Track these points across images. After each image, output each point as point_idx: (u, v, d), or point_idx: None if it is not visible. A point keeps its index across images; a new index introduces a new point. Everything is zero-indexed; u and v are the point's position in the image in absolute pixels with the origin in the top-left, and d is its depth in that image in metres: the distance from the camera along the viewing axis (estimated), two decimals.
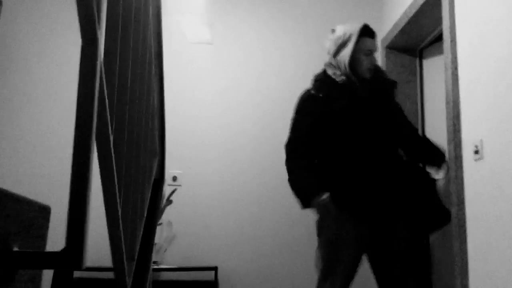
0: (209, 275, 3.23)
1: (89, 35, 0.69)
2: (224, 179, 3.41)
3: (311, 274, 3.31)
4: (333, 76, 2.33)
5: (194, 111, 3.49)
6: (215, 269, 3.12)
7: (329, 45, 2.42)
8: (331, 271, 2.19)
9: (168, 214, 3.26)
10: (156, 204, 1.46)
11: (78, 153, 0.68)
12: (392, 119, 2.36)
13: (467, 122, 2.23)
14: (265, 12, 3.67)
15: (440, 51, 3.12)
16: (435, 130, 3.11)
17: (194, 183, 3.39)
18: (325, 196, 2.18)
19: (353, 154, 2.25)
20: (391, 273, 2.21)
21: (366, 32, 2.35)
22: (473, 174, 2.14)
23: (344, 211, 2.19)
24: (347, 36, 2.34)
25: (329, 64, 2.39)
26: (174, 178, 3.35)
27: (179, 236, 3.33)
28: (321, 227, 2.28)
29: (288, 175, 2.34)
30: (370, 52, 2.34)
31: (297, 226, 3.38)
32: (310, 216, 3.03)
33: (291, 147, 2.38)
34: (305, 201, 2.24)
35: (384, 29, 3.48)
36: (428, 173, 2.41)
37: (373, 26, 3.55)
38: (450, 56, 2.40)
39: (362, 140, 2.25)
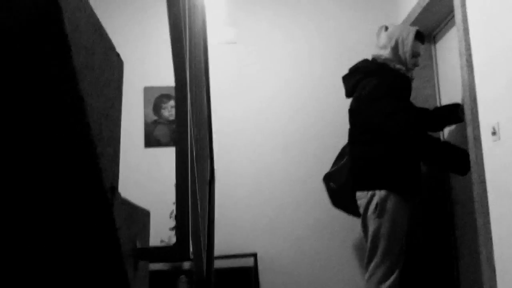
0: (249, 262, 3.44)
1: (180, 78, 0.89)
2: (260, 167, 3.60)
3: (350, 257, 3.52)
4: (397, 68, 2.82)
5: (224, 110, 3.70)
6: (254, 255, 3.34)
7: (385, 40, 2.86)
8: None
9: None
10: (212, 202, 1.67)
11: (180, 167, 0.88)
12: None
13: (483, 105, 2.39)
14: (285, 10, 3.84)
15: (453, 36, 3.26)
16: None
17: (230, 173, 3.60)
18: None
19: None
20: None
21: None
22: (492, 154, 2.31)
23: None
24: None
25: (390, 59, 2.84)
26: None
27: (218, 225, 3.55)
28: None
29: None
30: (418, 54, 2.87)
31: (334, 209, 3.56)
32: None
33: None
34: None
35: (400, 18, 3.64)
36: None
37: (389, 15, 3.73)
38: (464, 43, 2.56)
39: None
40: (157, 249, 0.87)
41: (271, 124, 3.70)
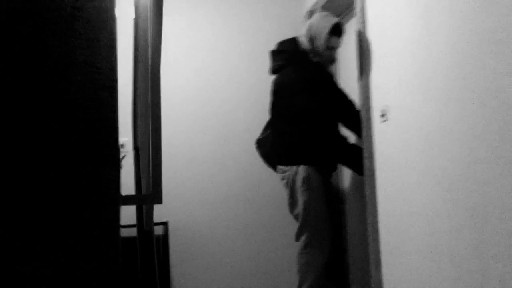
0: (158, 230, 3.59)
1: None
2: (173, 137, 3.71)
3: (261, 224, 3.77)
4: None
5: None
6: (165, 223, 3.50)
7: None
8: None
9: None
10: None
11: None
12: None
13: (375, 90, 2.73)
14: None
15: (352, 25, 3.59)
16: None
17: None
18: None
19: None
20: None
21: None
22: (380, 133, 2.66)
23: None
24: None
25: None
26: (122, 146, 3.65)
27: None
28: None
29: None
30: (334, 48, 3.03)
31: (247, 179, 3.77)
32: (257, 169, 3.48)
33: None
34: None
35: (306, 6, 3.92)
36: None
37: (295, 3, 3.97)
38: (363, 35, 2.88)
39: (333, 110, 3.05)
40: (137, 196, 1.13)
41: (186, 91, 3.82)
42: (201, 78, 3.86)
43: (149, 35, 1.40)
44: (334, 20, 3.01)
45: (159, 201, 1.12)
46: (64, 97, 0.72)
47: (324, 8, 3.63)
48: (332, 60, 3.06)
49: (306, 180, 2.86)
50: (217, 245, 3.69)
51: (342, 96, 3.00)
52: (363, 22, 2.88)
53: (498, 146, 1.77)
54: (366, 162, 2.77)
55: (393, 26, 2.54)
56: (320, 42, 2.93)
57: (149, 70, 1.32)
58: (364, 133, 2.80)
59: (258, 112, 3.58)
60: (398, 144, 2.47)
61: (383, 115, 2.63)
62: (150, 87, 1.29)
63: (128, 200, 1.17)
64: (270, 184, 3.61)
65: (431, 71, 2.20)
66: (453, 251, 2.03)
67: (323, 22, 2.97)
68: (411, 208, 2.34)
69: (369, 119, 2.77)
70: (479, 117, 1.87)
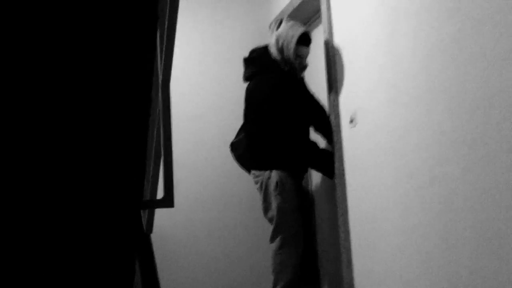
0: None
1: None
2: None
3: (239, 225, 3.83)
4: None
5: None
6: None
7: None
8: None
9: None
10: None
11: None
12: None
13: (343, 96, 2.85)
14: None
15: (319, 31, 3.72)
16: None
17: None
18: None
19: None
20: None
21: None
22: (349, 137, 2.77)
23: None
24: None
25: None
26: None
27: None
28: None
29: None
30: (302, 57, 3.08)
31: (221, 182, 3.85)
32: (232, 171, 3.54)
33: None
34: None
35: (274, 13, 4.03)
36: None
37: (263, 11, 4.07)
38: (328, 43, 2.99)
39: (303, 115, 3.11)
40: (151, 201, 1.23)
41: None
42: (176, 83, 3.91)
43: (159, 51, 1.47)
44: (301, 29, 3.08)
45: (171, 204, 1.22)
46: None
47: (291, 16, 3.74)
48: (303, 67, 3.14)
49: (279, 185, 2.94)
50: (196, 246, 3.75)
51: (313, 103, 3.10)
52: (330, 31, 2.99)
53: (462, 144, 1.89)
54: (336, 165, 2.87)
55: (360, 33, 2.66)
56: (290, 52, 3.00)
57: (160, 85, 1.39)
58: (334, 138, 2.90)
59: (232, 117, 3.66)
60: (367, 146, 2.58)
61: (351, 121, 2.73)
62: (160, 99, 1.35)
63: (145, 205, 1.27)
64: (245, 186, 3.68)
65: (397, 76, 2.32)
66: (422, 246, 2.14)
67: (291, 31, 3.05)
68: (381, 207, 2.45)
69: (338, 124, 2.87)
70: (444, 119, 1.99)
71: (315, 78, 3.77)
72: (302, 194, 3.18)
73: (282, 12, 3.80)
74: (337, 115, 2.88)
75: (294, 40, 3.01)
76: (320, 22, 3.66)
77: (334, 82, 2.92)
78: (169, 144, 1.23)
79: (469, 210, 1.87)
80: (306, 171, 3.28)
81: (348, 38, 2.80)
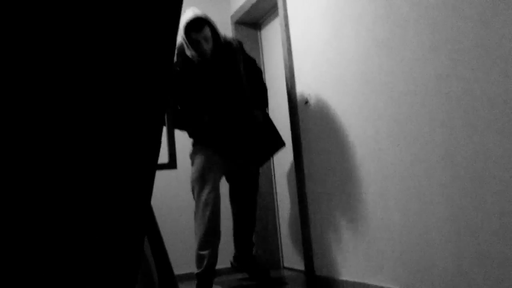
0: None
1: None
2: None
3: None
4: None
5: None
6: None
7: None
8: (204, 179, 3.23)
9: None
10: None
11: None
12: (232, 76, 3.33)
13: (299, 81, 3.32)
14: None
15: (276, 24, 4.16)
16: (274, 88, 4.19)
17: None
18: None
19: (208, 105, 3.28)
20: (240, 191, 3.50)
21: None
22: (304, 118, 3.25)
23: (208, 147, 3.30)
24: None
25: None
26: None
27: None
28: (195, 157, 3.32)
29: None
30: (198, 41, 3.22)
31: None
32: None
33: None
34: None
35: (233, 9, 4.43)
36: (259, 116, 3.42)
37: (222, 6, 4.45)
38: (285, 36, 3.44)
39: (212, 95, 3.28)
40: (160, 165, 1.52)
41: None
42: None
43: None
44: (186, 17, 3.21)
45: (174, 166, 1.53)
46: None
47: (250, 11, 4.16)
48: (203, 50, 3.25)
49: (190, 156, 3.39)
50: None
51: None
52: (286, 24, 3.44)
53: (393, 122, 2.41)
54: (293, 145, 3.35)
55: (310, 29, 3.12)
56: (187, 45, 3.25)
57: None
58: (291, 119, 3.37)
59: None
60: (319, 123, 3.07)
61: (306, 102, 3.21)
62: None
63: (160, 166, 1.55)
64: None
65: (341, 68, 2.80)
66: (373, 216, 2.66)
67: (180, 32, 3.28)
68: (334, 183, 2.96)
69: (295, 105, 3.34)
70: (378, 101, 2.50)
71: (274, 68, 4.23)
72: (233, 174, 3.46)
73: (241, 7, 4.21)
74: (295, 98, 3.35)
75: (181, 36, 3.25)
76: (277, 15, 4.11)
77: (291, 70, 3.38)
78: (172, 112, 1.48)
79: (399, 179, 2.40)
80: (237, 153, 3.38)
81: (302, 32, 3.25)
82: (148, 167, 0.76)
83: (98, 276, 0.75)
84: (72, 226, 0.73)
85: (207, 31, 3.24)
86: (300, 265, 3.82)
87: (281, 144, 3.46)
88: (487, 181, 1.90)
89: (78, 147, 0.71)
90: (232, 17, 4.43)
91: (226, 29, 4.38)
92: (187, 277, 3.98)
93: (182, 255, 4.04)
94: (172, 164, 1.50)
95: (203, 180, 3.21)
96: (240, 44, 3.47)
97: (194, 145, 3.38)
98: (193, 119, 3.30)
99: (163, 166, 1.50)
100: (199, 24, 3.20)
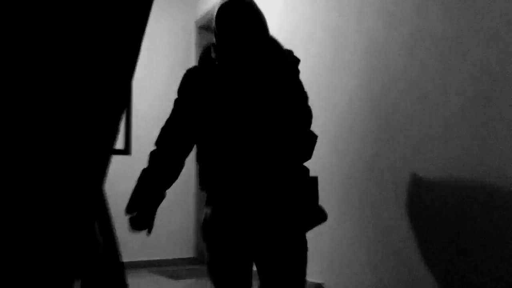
0: None
1: None
2: None
3: None
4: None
5: None
6: None
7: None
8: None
9: None
10: None
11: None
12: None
13: None
14: None
15: None
16: None
17: None
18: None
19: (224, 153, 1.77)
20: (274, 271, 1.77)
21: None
22: None
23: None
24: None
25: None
26: None
27: None
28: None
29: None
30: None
31: None
32: None
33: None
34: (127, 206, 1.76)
35: (198, 13, 4.64)
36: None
37: (187, 11, 4.61)
38: None
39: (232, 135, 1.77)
40: (114, 150, 1.67)
41: None
42: None
43: None
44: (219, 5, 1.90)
45: (129, 152, 1.69)
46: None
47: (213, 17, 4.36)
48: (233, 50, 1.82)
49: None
50: None
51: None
52: None
53: (334, 106, 2.70)
54: None
55: (269, 19, 3.38)
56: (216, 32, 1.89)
57: None
58: None
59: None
60: None
61: None
62: None
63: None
64: None
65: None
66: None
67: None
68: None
69: None
70: (322, 102, 2.79)
71: None
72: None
73: (207, 13, 4.42)
74: None
75: (214, 19, 1.85)
76: None
77: None
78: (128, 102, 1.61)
79: (335, 174, 2.68)
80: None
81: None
82: (103, 152, 0.77)
83: (45, 257, 0.75)
84: (22, 203, 0.72)
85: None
86: None
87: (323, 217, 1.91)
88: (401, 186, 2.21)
89: (32, 128, 0.71)
90: (196, 22, 4.64)
91: (190, 34, 4.58)
92: (135, 264, 4.15)
93: (132, 242, 4.20)
94: (126, 150, 1.68)
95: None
96: (295, 59, 1.93)
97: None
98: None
99: (118, 152, 1.66)
100: (226, 13, 1.85)
